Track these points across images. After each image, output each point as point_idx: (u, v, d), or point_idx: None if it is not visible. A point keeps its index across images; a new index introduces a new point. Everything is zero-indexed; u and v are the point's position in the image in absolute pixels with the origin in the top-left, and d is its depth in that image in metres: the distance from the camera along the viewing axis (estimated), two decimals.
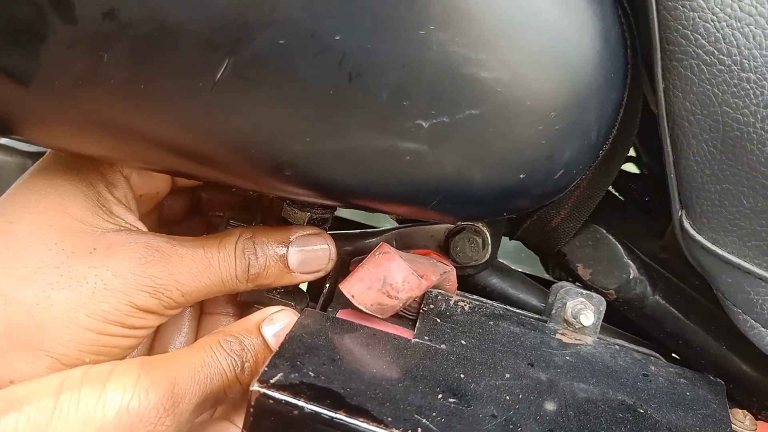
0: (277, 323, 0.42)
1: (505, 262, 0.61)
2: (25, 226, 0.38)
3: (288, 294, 0.48)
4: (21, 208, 0.39)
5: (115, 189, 0.42)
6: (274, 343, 0.41)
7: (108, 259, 0.38)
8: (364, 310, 0.43)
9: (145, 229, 0.42)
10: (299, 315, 0.42)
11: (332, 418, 0.34)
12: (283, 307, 0.43)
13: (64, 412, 0.33)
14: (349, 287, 0.43)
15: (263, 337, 0.41)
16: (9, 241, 0.38)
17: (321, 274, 0.46)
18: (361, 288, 0.43)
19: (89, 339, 0.37)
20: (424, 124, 0.34)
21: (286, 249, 0.44)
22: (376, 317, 0.44)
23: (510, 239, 0.56)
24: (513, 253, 0.71)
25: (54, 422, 0.33)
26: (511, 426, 0.36)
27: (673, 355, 0.56)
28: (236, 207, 0.54)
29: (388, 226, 0.56)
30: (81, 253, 0.38)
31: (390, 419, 0.34)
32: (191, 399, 0.37)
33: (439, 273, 0.47)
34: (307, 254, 0.44)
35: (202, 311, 0.51)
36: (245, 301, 0.49)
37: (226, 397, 0.39)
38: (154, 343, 0.49)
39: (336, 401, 0.35)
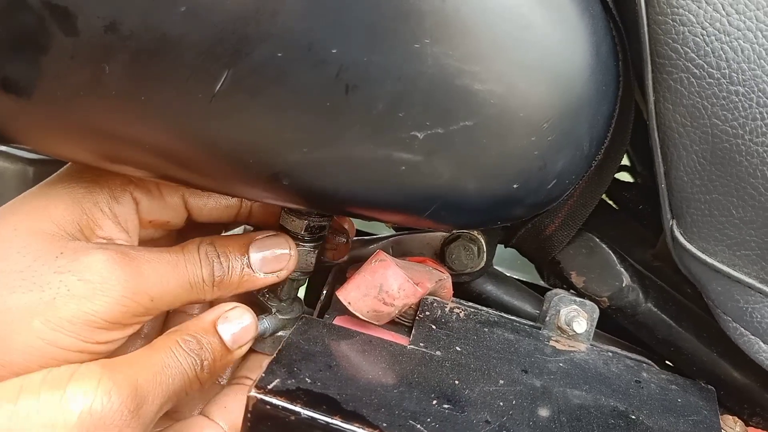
0: (233, 321, 0.41)
1: (501, 268, 0.62)
2: (4, 229, 0.38)
3: (284, 305, 0.49)
4: (8, 211, 0.39)
5: (117, 205, 0.41)
6: (230, 341, 0.41)
7: (74, 263, 0.37)
8: (361, 316, 0.44)
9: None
10: (250, 313, 0.42)
11: (328, 423, 0.34)
12: (237, 304, 0.43)
13: (24, 418, 0.33)
14: (346, 294, 0.44)
15: (219, 336, 0.41)
16: None
17: (285, 273, 0.45)
18: (358, 295, 0.44)
19: (41, 349, 0.36)
20: (419, 135, 0.35)
21: (246, 251, 0.44)
22: (373, 324, 0.45)
23: (505, 247, 0.57)
24: (509, 260, 0.72)
25: (14, 428, 0.32)
26: (504, 431, 0.36)
27: (667, 362, 0.57)
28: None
29: (385, 234, 0.57)
30: (47, 258, 0.37)
31: (385, 425, 0.35)
32: (154, 400, 0.36)
33: (435, 280, 0.47)
34: (268, 254, 0.44)
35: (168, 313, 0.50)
36: None
37: (186, 395, 0.39)
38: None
39: (332, 407, 0.35)
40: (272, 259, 0.45)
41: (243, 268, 0.44)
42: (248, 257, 0.44)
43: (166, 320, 0.49)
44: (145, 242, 0.44)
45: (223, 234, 0.50)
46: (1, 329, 0.36)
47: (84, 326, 0.37)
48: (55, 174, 0.42)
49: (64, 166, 0.43)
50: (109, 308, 0.37)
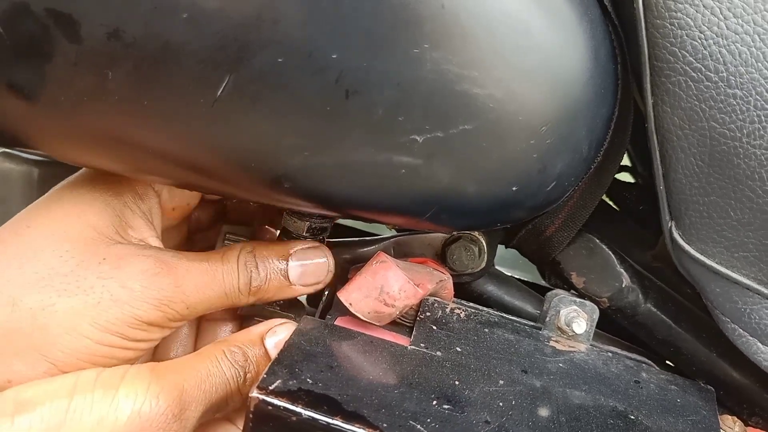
0: (280, 335, 0.43)
1: (502, 268, 0.62)
2: (41, 231, 0.39)
3: (287, 306, 0.49)
4: (41, 213, 0.40)
5: (142, 202, 0.43)
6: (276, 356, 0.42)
7: (116, 270, 0.39)
8: (362, 317, 0.44)
9: (159, 245, 0.43)
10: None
11: (329, 423, 0.35)
12: (286, 320, 0.44)
13: (78, 413, 0.34)
14: (347, 295, 0.44)
15: (265, 349, 0.42)
16: (25, 245, 0.39)
17: (320, 287, 0.46)
18: (359, 296, 0.44)
19: (88, 348, 0.38)
20: (418, 138, 0.35)
21: (286, 262, 0.45)
22: (374, 324, 0.45)
23: (506, 247, 0.57)
24: (511, 260, 0.72)
25: (68, 422, 0.34)
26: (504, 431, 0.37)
27: (667, 362, 0.57)
28: (253, 218, 0.55)
29: (387, 234, 0.57)
30: (90, 263, 0.39)
31: (386, 425, 0.35)
32: (197, 406, 0.38)
33: (436, 281, 0.48)
34: (307, 267, 0.45)
35: (201, 317, 0.52)
36: (245, 315, 0.50)
37: (227, 405, 0.40)
38: (156, 349, 0.49)
39: (333, 407, 0.35)
40: (311, 271, 0.46)
41: (281, 279, 0.45)
42: (287, 268, 0.45)
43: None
44: (165, 233, 0.46)
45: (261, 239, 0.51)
46: (52, 329, 0.37)
47: (126, 327, 0.39)
48: (74, 177, 0.43)
49: (80, 171, 0.44)
50: (149, 313, 0.39)
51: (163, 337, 0.42)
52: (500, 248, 0.58)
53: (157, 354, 0.49)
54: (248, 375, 0.40)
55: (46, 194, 0.42)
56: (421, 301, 0.47)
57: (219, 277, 0.42)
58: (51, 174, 0.66)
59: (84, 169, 0.44)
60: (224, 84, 0.31)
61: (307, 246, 0.46)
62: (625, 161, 0.74)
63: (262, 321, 0.45)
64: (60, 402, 0.34)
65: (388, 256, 0.45)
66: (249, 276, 0.43)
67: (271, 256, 0.45)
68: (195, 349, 0.49)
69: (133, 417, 0.35)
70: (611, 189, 0.62)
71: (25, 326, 0.37)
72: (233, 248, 0.44)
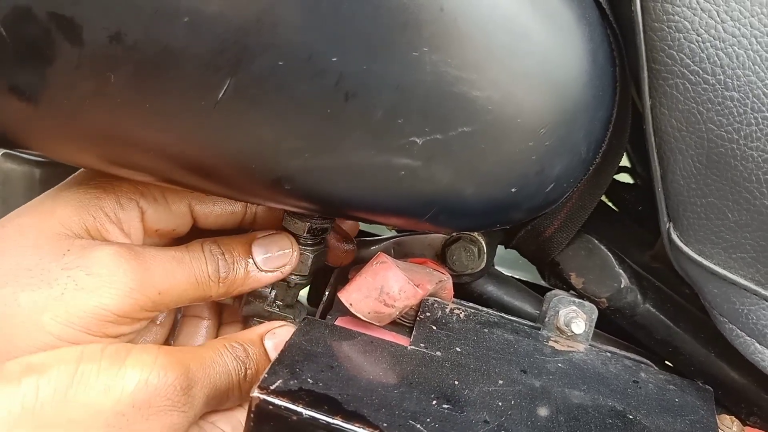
0: (279, 337, 0.43)
1: (502, 268, 0.62)
2: (11, 229, 0.39)
3: (287, 308, 0.49)
4: (16, 213, 0.40)
5: (122, 212, 0.42)
6: (275, 357, 0.42)
7: (81, 259, 0.38)
8: (362, 317, 0.44)
9: None
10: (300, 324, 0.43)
11: (329, 423, 0.35)
12: (285, 323, 0.45)
13: (85, 378, 0.34)
14: (347, 296, 0.45)
15: (265, 349, 0.42)
16: None
17: (288, 269, 0.46)
18: (359, 297, 0.44)
19: (51, 344, 0.37)
20: (418, 141, 0.36)
21: (249, 249, 0.45)
22: (374, 324, 0.45)
23: (505, 248, 0.58)
24: (510, 260, 0.72)
25: (75, 386, 0.34)
26: (503, 431, 0.37)
27: (666, 362, 0.57)
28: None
29: (387, 235, 0.57)
30: (55, 255, 0.38)
31: (386, 425, 0.35)
32: (202, 388, 0.38)
33: (435, 282, 0.48)
34: (270, 252, 0.45)
35: (220, 323, 0.52)
36: (246, 315, 0.50)
37: (228, 400, 0.40)
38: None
39: (333, 407, 0.36)
40: (275, 256, 0.46)
41: (247, 266, 0.45)
42: (252, 255, 0.45)
43: (180, 325, 0.51)
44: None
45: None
46: (13, 326, 0.37)
47: (93, 320, 0.38)
48: (62, 182, 0.43)
49: (72, 175, 0.44)
50: (118, 301, 0.38)
51: (134, 332, 0.41)
52: (500, 248, 0.58)
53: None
54: (248, 371, 0.41)
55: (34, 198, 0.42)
56: (421, 302, 0.48)
57: (187, 262, 0.42)
58: (52, 174, 0.66)
59: (72, 176, 0.43)
60: (225, 87, 0.32)
61: (268, 233, 0.46)
62: (624, 162, 0.74)
63: (261, 322, 0.46)
64: (68, 367, 0.34)
65: (388, 257, 0.46)
66: (216, 263, 0.43)
67: (234, 244, 0.45)
68: None
69: (141, 386, 0.35)
70: (610, 190, 0.63)
71: None
72: (196, 241, 0.44)
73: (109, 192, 0.42)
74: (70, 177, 0.43)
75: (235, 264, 0.44)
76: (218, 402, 0.40)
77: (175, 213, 0.45)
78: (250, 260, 0.45)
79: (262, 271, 0.45)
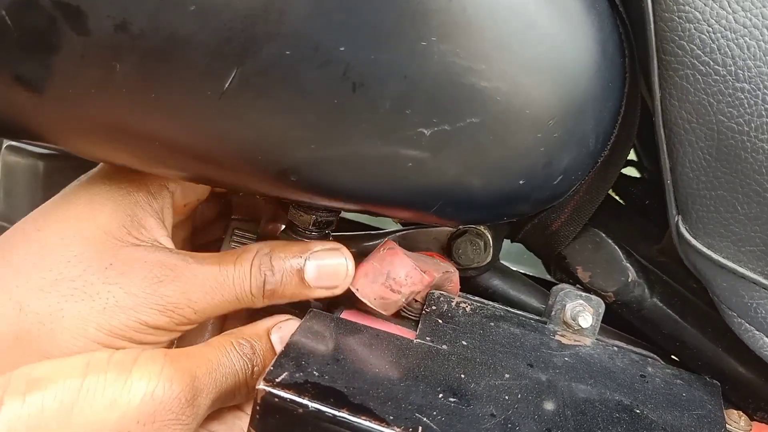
0: (285, 331, 0.43)
1: (507, 263, 0.62)
2: (50, 235, 0.39)
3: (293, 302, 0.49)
4: (52, 216, 0.40)
5: (154, 200, 0.42)
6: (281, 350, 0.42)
7: (121, 277, 0.39)
8: (368, 303, 0.44)
9: (170, 244, 0.42)
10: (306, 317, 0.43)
11: (335, 416, 0.35)
12: (291, 317, 0.44)
13: (91, 393, 0.34)
14: (354, 281, 0.44)
15: (271, 343, 0.42)
16: (33, 249, 0.39)
17: (339, 291, 0.44)
18: (366, 282, 0.44)
19: (95, 349, 0.38)
20: (425, 132, 0.35)
21: (303, 263, 0.43)
22: (380, 317, 0.45)
23: (511, 242, 0.57)
24: (516, 254, 0.72)
25: (80, 402, 0.34)
26: (509, 425, 0.37)
27: (672, 357, 0.57)
28: (259, 213, 0.54)
29: (393, 228, 0.57)
30: (97, 268, 0.39)
31: (392, 418, 0.35)
32: (208, 394, 0.38)
33: (442, 271, 0.48)
34: (324, 269, 0.44)
35: (227, 317, 0.52)
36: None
37: (234, 398, 0.40)
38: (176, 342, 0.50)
39: (339, 400, 0.36)
40: (329, 273, 0.44)
41: (297, 282, 0.43)
42: (304, 269, 0.43)
43: None
44: (175, 225, 0.45)
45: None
46: (59, 334, 0.37)
47: (134, 332, 0.39)
48: (86, 176, 0.43)
49: (95, 169, 0.44)
50: (155, 318, 0.39)
51: (172, 339, 0.41)
52: (506, 242, 0.58)
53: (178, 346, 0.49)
54: (255, 368, 0.40)
55: (60, 193, 0.42)
56: (427, 295, 0.47)
57: (229, 282, 0.41)
58: (56, 167, 0.66)
59: (98, 166, 0.44)
60: (231, 77, 0.31)
61: (326, 247, 0.44)
62: (632, 156, 0.74)
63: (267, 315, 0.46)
64: (73, 381, 0.34)
65: (396, 244, 0.45)
66: (263, 279, 0.42)
67: (287, 257, 0.43)
68: None
69: (146, 399, 0.35)
70: (617, 183, 0.62)
71: (32, 330, 0.37)
72: (249, 250, 0.43)
73: (140, 184, 0.42)
74: (96, 170, 0.43)
75: (284, 279, 0.43)
76: (223, 402, 0.40)
77: (196, 185, 0.45)
78: (302, 275, 0.43)
79: (312, 287, 0.44)
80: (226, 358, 0.39)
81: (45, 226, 0.40)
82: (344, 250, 0.45)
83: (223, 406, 0.41)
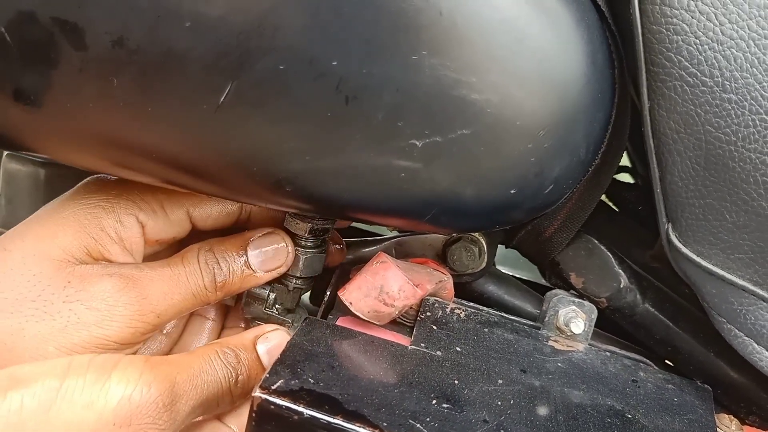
0: (271, 342, 0.43)
1: (504, 267, 0.63)
2: (14, 254, 0.40)
3: (287, 312, 0.50)
4: (19, 236, 0.41)
5: (123, 229, 0.43)
6: (267, 361, 0.42)
7: (81, 293, 0.40)
8: (362, 316, 0.45)
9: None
10: (289, 335, 0.43)
11: (330, 422, 0.35)
12: (278, 327, 0.45)
13: (69, 394, 0.34)
14: (348, 294, 0.45)
15: (257, 354, 0.42)
16: None
17: (284, 269, 0.47)
18: (359, 295, 0.45)
19: None
20: (417, 143, 0.36)
21: (245, 252, 0.46)
22: (375, 324, 0.46)
23: (506, 248, 0.58)
24: (513, 259, 0.73)
25: (58, 402, 0.34)
26: (501, 430, 0.37)
27: (667, 361, 0.57)
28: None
29: (388, 235, 0.58)
30: (56, 287, 0.40)
31: (386, 424, 0.36)
32: (188, 401, 0.38)
33: (435, 282, 0.48)
34: (266, 253, 0.46)
35: (222, 326, 0.52)
36: (247, 317, 0.50)
37: (217, 406, 0.41)
38: (172, 351, 0.50)
39: (334, 407, 0.36)
40: (271, 257, 0.46)
41: (243, 270, 0.45)
42: (246, 257, 0.45)
43: (187, 323, 0.51)
44: (149, 257, 0.46)
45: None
46: (20, 354, 0.38)
47: (95, 348, 0.39)
48: (61, 197, 0.44)
49: (73, 188, 0.44)
50: (119, 331, 0.40)
51: (135, 351, 0.42)
52: (502, 247, 0.58)
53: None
54: (240, 377, 0.41)
55: (36, 212, 0.43)
56: (421, 301, 0.48)
57: (183, 280, 0.43)
58: (57, 175, 0.67)
59: (71, 192, 0.44)
60: (227, 90, 0.32)
61: (262, 233, 0.47)
62: (625, 162, 0.75)
63: (260, 324, 0.46)
64: (53, 382, 0.34)
65: (389, 257, 0.46)
66: (212, 273, 0.44)
67: (229, 248, 0.45)
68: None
69: (123, 402, 0.35)
70: (611, 190, 0.63)
71: None
72: (191, 249, 0.45)
73: (108, 211, 0.43)
74: (71, 191, 0.44)
75: (231, 269, 0.45)
76: (205, 410, 0.40)
77: (173, 222, 0.45)
78: (246, 262, 0.45)
79: (257, 271, 0.46)
80: (208, 365, 0.40)
81: (10, 245, 0.41)
82: (279, 231, 0.47)
83: (205, 414, 0.41)
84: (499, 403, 0.40)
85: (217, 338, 0.51)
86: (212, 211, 0.46)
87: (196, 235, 0.47)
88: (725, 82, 0.37)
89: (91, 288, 0.40)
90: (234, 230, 0.48)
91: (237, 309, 0.52)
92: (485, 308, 0.51)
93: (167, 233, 0.45)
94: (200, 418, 0.42)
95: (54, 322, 0.39)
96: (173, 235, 0.46)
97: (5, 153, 0.69)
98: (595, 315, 0.49)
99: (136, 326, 0.40)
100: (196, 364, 0.39)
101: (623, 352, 0.49)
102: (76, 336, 0.39)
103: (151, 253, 0.46)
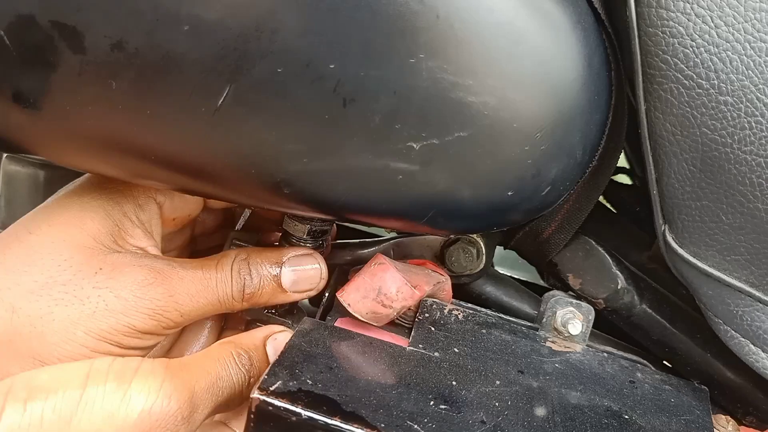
0: (279, 343, 0.43)
1: (502, 268, 0.63)
2: (42, 238, 0.40)
3: (287, 312, 0.50)
4: (43, 220, 0.41)
5: (142, 212, 0.43)
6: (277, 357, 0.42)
7: (111, 281, 0.40)
8: (360, 318, 0.45)
9: (157, 252, 0.44)
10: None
11: (328, 424, 0.35)
12: (285, 328, 0.45)
13: (90, 405, 0.34)
14: (346, 296, 0.45)
15: (266, 354, 0.42)
16: (25, 252, 0.40)
17: (313, 293, 0.47)
18: (357, 297, 0.45)
19: (84, 355, 0.39)
20: (415, 145, 0.36)
21: (279, 269, 0.46)
22: (373, 325, 0.46)
23: (504, 249, 0.58)
24: (512, 260, 0.73)
25: (79, 414, 0.34)
26: (499, 431, 0.37)
27: (664, 362, 0.58)
28: (261, 223, 0.55)
29: (386, 236, 0.58)
30: (87, 272, 0.40)
31: (383, 425, 0.36)
32: (204, 409, 0.38)
33: (433, 283, 0.48)
34: (299, 274, 0.46)
35: (224, 326, 0.53)
36: (246, 319, 0.50)
37: (228, 407, 0.41)
38: (172, 348, 0.50)
39: (332, 408, 0.36)
40: (304, 278, 0.46)
41: (274, 286, 0.46)
42: (280, 275, 0.46)
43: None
44: (166, 238, 0.47)
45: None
46: (49, 337, 0.38)
47: (121, 336, 0.40)
48: (78, 182, 0.44)
49: (87, 175, 0.45)
50: (143, 322, 0.40)
51: (157, 343, 0.43)
52: (500, 249, 0.58)
53: (174, 354, 0.50)
54: (252, 380, 0.41)
55: (50, 199, 0.43)
56: (419, 302, 0.48)
57: (212, 285, 0.43)
58: (57, 176, 0.67)
59: (88, 178, 0.45)
60: (225, 93, 0.32)
61: (300, 253, 0.47)
62: (623, 163, 0.75)
63: (260, 326, 0.46)
64: (73, 392, 0.34)
65: (387, 258, 0.46)
66: (242, 283, 0.44)
67: (264, 262, 0.46)
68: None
69: (144, 415, 0.34)
70: (608, 191, 0.63)
71: (24, 333, 0.38)
72: (228, 255, 0.45)
73: (127, 195, 0.43)
74: (84, 179, 0.44)
75: (262, 283, 0.45)
76: (217, 412, 0.41)
77: (188, 200, 0.46)
78: (278, 280, 0.46)
79: (289, 290, 0.46)
80: (225, 371, 0.40)
81: (37, 229, 0.41)
82: (317, 255, 0.48)
83: (216, 414, 0.41)
84: (497, 404, 0.40)
85: (216, 339, 0.51)
86: None
87: (219, 214, 0.48)
88: (721, 84, 0.38)
89: (121, 277, 0.40)
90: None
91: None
92: (483, 309, 0.51)
93: (183, 210, 0.46)
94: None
95: (83, 307, 0.39)
96: (188, 213, 0.47)
97: (5, 155, 0.69)
98: (592, 316, 0.49)
99: (160, 320, 0.41)
100: (213, 370, 0.39)
101: (620, 353, 0.49)
102: (104, 322, 0.39)
103: (167, 233, 0.47)
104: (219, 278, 0.44)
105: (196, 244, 0.54)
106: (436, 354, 0.44)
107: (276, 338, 0.43)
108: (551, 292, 0.51)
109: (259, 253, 0.46)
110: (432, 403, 0.38)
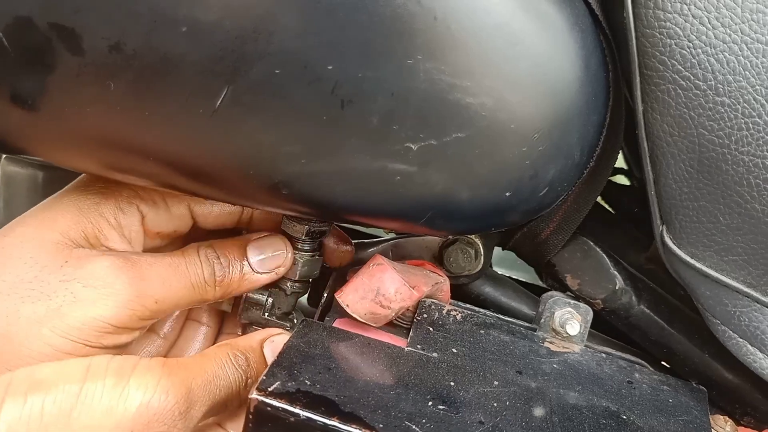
0: (277, 346, 0.43)
1: (501, 269, 0.63)
2: (13, 240, 0.40)
3: (285, 315, 0.50)
4: (20, 222, 0.41)
5: (122, 215, 0.43)
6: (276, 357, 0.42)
7: (79, 270, 0.39)
8: (358, 318, 0.45)
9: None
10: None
11: (326, 424, 0.36)
12: (283, 331, 0.45)
13: (89, 399, 0.34)
14: (344, 297, 0.45)
15: (263, 356, 0.42)
16: None
17: (283, 270, 0.47)
18: (355, 298, 0.45)
19: (50, 355, 0.38)
20: (412, 146, 0.36)
21: (244, 251, 0.46)
22: (372, 326, 0.46)
23: (502, 249, 0.58)
24: (511, 261, 0.73)
25: (78, 407, 0.34)
26: None
27: (662, 363, 0.58)
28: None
29: (385, 237, 0.58)
30: (53, 267, 0.39)
31: (381, 426, 0.36)
32: (201, 407, 0.38)
33: (432, 284, 0.48)
34: (265, 254, 0.46)
35: (220, 331, 0.53)
36: (244, 323, 0.51)
37: (225, 409, 0.41)
38: (168, 355, 0.50)
39: (330, 408, 0.36)
40: (269, 257, 0.46)
41: (242, 268, 0.45)
42: (246, 258, 0.46)
43: (182, 327, 0.51)
44: (150, 251, 0.46)
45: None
46: (13, 337, 0.38)
47: (91, 331, 0.39)
48: (65, 187, 0.44)
49: (74, 181, 0.44)
50: (116, 312, 0.39)
51: (131, 340, 0.42)
52: (499, 249, 0.58)
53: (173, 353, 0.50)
54: (249, 381, 0.41)
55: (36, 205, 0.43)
56: (418, 303, 0.48)
57: (183, 268, 0.43)
58: (55, 177, 0.67)
59: (73, 182, 0.44)
60: (223, 95, 0.32)
61: (262, 235, 0.47)
62: (621, 164, 0.75)
63: (257, 330, 0.46)
64: (73, 386, 0.34)
65: (385, 259, 0.46)
66: (212, 267, 0.44)
67: (229, 248, 0.46)
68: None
69: (142, 409, 0.35)
70: (606, 192, 0.63)
71: None
72: (191, 246, 0.45)
73: (108, 197, 0.43)
74: (73, 182, 0.44)
75: (231, 266, 0.45)
76: (215, 413, 0.41)
77: (174, 215, 0.46)
78: (245, 262, 0.46)
79: (257, 272, 0.46)
80: (222, 370, 0.40)
81: (11, 232, 0.41)
82: (279, 235, 0.48)
83: (213, 415, 0.41)
84: (495, 404, 0.40)
85: (213, 344, 0.51)
86: (214, 209, 0.47)
87: (200, 237, 0.47)
88: (718, 85, 0.38)
89: (88, 266, 0.39)
90: (236, 233, 0.49)
91: (233, 315, 0.52)
92: (481, 310, 0.51)
93: (168, 226, 0.46)
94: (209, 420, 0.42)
95: (50, 301, 0.38)
96: (174, 229, 0.46)
97: (3, 156, 0.69)
98: (590, 317, 0.49)
99: (134, 308, 0.40)
100: (210, 369, 0.39)
101: (619, 353, 0.49)
102: (71, 317, 0.38)
103: (152, 247, 0.46)
104: (188, 262, 0.43)
105: None
106: (435, 354, 0.44)
107: (273, 341, 0.43)
108: (549, 293, 0.51)
109: (223, 241, 0.46)
110: (430, 403, 0.38)
